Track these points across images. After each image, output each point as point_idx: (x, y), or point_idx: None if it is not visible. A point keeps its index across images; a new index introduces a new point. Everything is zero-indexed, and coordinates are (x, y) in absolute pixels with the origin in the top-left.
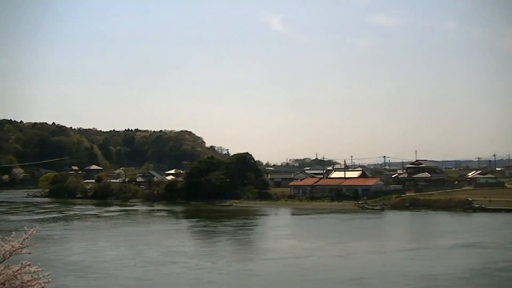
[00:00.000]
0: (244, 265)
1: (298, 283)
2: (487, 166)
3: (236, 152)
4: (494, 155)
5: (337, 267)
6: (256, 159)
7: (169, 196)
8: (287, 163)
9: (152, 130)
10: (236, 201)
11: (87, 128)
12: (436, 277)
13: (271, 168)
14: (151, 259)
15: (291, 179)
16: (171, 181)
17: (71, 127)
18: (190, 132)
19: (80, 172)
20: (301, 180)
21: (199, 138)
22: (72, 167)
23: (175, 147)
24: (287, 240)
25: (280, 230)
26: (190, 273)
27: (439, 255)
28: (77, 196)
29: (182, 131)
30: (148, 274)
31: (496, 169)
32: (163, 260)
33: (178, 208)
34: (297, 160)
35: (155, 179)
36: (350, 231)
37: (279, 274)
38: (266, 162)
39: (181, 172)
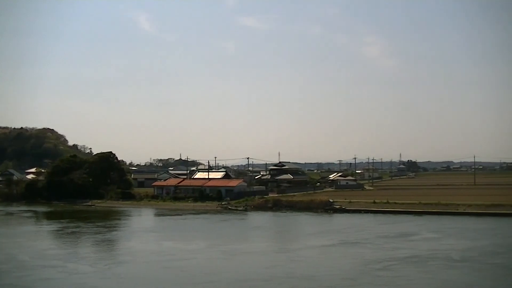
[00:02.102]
0: (124, 269)
1: (184, 286)
2: (347, 169)
3: (99, 151)
4: (355, 158)
5: (221, 269)
6: (119, 158)
7: (29, 195)
8: (151, 163)
9: (13, 127)
10: (99, 201)
11: None
12: (321, 278)
13: (135, 168)
14: (25, 264)
15: (155, 179)
16: (32, 180)
17: None
18: (53, 130)
19: None
20: (165, 180)
21: (61, 136)
22: None
23: (37, 145)
24: (164, 242)
25: (155, 232)
26: (70, 278)
27: (319, 255)
28: None
29: (44, 128)
30: (25, 281)
31: (356, 171)
32: (38, 265)
33: (42, 209)
34: (161, 160)
35: (15, 178)
36: (224, 232)
37: (163, 278)
38: (129, 162)
39: (43, 171)
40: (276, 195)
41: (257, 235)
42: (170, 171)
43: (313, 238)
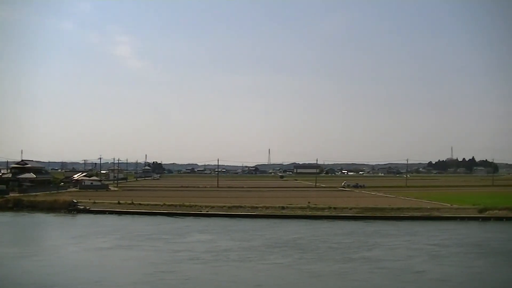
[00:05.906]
0: None
1: None
2: (92, 169)
3: None
4: (100, 158)
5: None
6: None
7: None
8: None
9: None
10: None
11: None
12: (111, 283)
13: None
14: None
15: None
16: None
17: None
18: None
19: None
20: None
21: None
22: None
23: None
24: None
25: None
26: None
27: (100, 259)
28: None
29: None
30: None
31: (102, 172)
32: None
33: None
34: None
35: None
36: None
37: None
38: None
39: None
40: (18, 194)
41: (19, 237)
42: None
43: (84, 240)
